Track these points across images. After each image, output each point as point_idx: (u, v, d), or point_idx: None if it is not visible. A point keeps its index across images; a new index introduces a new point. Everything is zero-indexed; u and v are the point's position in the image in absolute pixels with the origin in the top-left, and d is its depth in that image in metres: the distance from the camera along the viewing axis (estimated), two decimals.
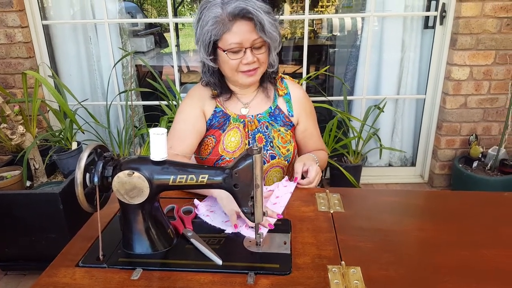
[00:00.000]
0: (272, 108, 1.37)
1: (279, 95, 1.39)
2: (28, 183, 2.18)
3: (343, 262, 0.88)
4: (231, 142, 1.32)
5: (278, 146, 1.34)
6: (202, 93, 1.37)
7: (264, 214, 0.92)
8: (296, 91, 1.41)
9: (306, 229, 1.02)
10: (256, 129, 1.34)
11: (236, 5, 1.15)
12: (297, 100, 1.40)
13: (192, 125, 1.32)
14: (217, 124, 1.35)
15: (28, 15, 2.53)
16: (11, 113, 2.07)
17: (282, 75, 1.43)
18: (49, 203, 1.88)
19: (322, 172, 1.38)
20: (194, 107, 1.34)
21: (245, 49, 1.20)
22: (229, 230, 1.02)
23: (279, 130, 1.36)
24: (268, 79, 1.36)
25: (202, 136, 1.35)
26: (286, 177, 1.30)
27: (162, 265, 0.90)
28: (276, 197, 1.18)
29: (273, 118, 1.37)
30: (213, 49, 1.23)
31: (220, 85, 1.33)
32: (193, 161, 1.45)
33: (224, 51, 1.20)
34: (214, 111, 1.35)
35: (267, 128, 1.35)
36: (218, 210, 1.11)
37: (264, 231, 1.00)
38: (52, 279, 0.86)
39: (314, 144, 1.46)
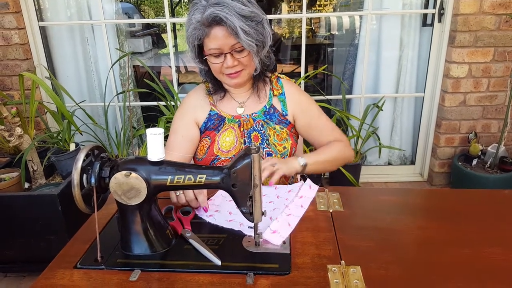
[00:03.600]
0: (267, 107, 1.38)
1: (274, 95, 1.39)
2: (26, 185, 2.18)
3: (343, 262, 0.88)
4: (226, 142, 1.33)
5: (274, 144, 1.34)
6: (194, 101, 1.39)
7: (263, 214, 0.91)
8: (290, 89, 1.40)
9: (306, 228, 1.01)
10: (251, 128, 1.35)
11: (211, 11, 1.13)
12: (290, 97, 1.39)
13: (181, 136, 1.35)
14: (212, 126, 1.36)
15: (24, 17, 2.52)
16: (8, 115, 2.06)
17: (279, 75, 1.43)
18: (48, 204, 1.87)
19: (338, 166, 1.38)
20: (184, 117, 1.37)
21: (225, 54, 1.20)
22: (234, 228, 1.02)
23: (275, 128, 1.35)
24: (259, 80, 1.36)
25: (195, 142, 1.37)
26: (309, 183, 1.21)
27: (160, 266, 0.89)
28: (288, 214, 1.06)
29: (268, 116, 1.37)
30: (200, 51, 1.24)
31: (215, 83, 1.35)
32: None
33: (205, 55, 1.22)
34: (209, 114, 1.37)
35: (262, 126, 1.35)
36: (223, 210, 1.11)
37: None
38: (49, 281, 0.85)
39: (325, 136, 1.38)
